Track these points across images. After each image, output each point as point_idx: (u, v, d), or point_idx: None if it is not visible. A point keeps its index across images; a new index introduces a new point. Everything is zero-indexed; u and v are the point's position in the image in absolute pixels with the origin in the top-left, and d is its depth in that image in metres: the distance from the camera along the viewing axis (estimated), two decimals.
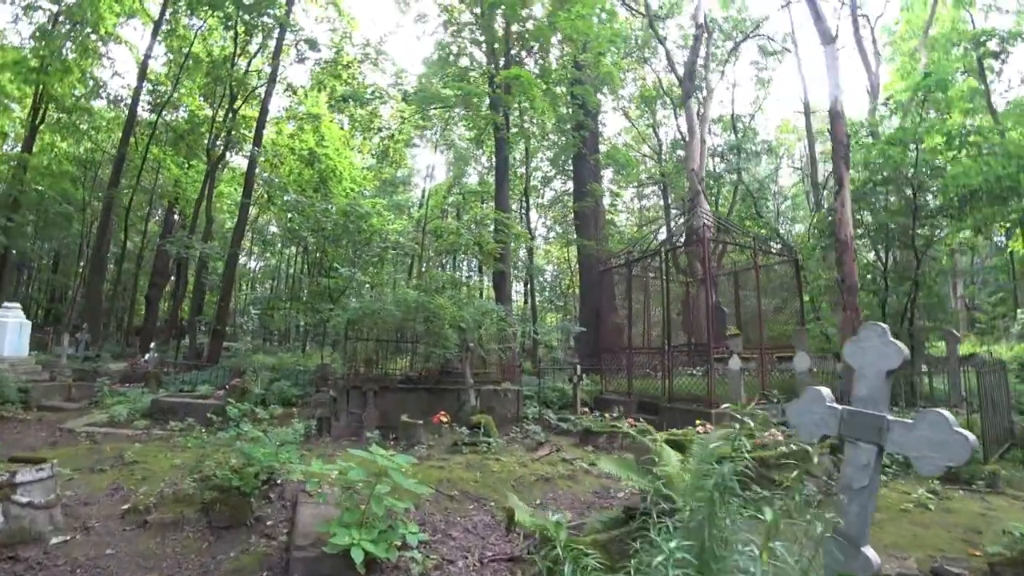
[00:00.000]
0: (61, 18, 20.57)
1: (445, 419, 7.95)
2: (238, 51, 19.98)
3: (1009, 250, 20.42)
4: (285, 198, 16.24)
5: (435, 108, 20.18)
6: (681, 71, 17.97)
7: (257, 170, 21.11)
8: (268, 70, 19.15)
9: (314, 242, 15.80)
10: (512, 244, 17.87)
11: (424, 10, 49.16)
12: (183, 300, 26.49)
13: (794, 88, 57.10)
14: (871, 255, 13.85)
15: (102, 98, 23.38)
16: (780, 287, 11.98)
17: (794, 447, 6.15)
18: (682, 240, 12.03)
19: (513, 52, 17.00)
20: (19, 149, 23.50)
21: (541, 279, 29.58)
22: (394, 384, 8.96)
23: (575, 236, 22.22)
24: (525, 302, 30.00)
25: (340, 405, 8.63)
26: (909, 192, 11.65)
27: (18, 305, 12.37)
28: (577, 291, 29.85)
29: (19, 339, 11.75)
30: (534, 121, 21.38)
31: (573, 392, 11.92)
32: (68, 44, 20.75)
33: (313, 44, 19.46)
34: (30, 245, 27.00)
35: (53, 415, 9.67)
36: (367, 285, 8.78)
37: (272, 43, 19.30)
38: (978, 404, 7.26)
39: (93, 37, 21.30)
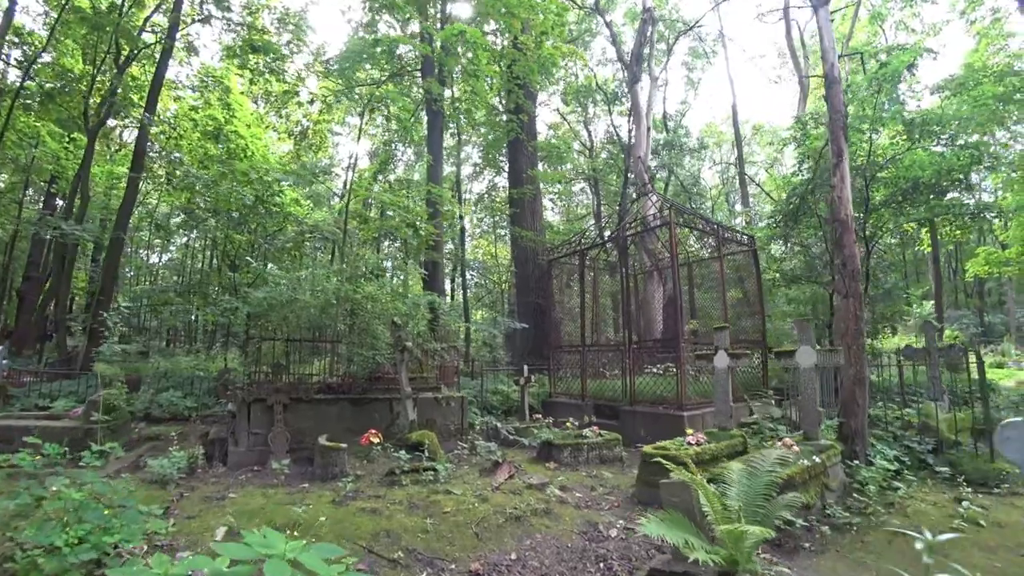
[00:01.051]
0: None
1: (376, 439, 6.29)
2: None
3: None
4: (178, 172, 13.62)
5: (360, 87, 18.10)
6: (627, 59, 17.12)
7: (153, 145, 18.07)
8: (166, 25, 16.27)
9: (216, 226, 13.36)
10: (446, 228, 16.24)
11: None
12: (65, 295, 22.46)
13: (722, 91, 59.27)
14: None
15: None
16: (739, 279, 11.27)
17: (806, 462, 5.14)
18: (639, 227, 10.99)
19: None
20: None
21: (472, 274, 28.07)
22: (310, 395, 7.12)
23: (508, 228, 20.94)
24: (453, 298, 28.37)
25: (240, 423, 6.70)
26: (860, 183, 11.34)
27: None
28: (506, 287, 28.69)
29: None
30: (466, 111, 19.86)
31: (521, 396, 10.57)
32: None
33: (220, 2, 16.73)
34: None
35: None
36: (282, 280, 7.00)
37: None
38: (977, 397, 6.65)
39: None
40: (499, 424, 9.71)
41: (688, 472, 3.59)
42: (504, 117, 19.30)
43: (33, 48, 17.49)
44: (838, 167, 6.48)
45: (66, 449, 3.98)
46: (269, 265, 12.53)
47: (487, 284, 29.66)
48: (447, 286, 30.07)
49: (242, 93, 20.89)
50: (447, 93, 17.17)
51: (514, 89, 15.43)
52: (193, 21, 17.81)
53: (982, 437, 6.47)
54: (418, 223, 9.84)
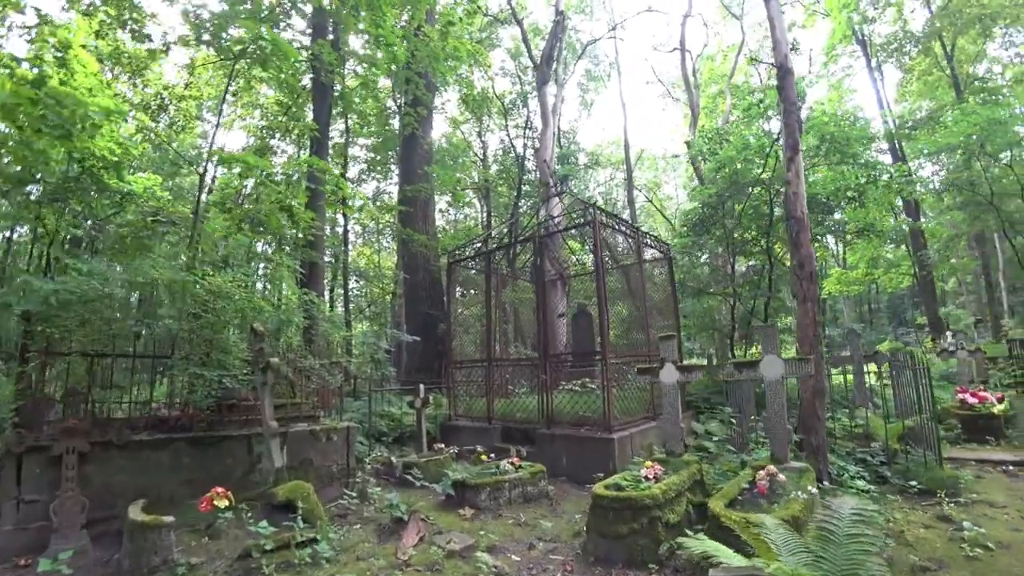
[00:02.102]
0: None
1: (224, 501, 4.36)
2: None
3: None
4: None
5: (229, 61, 15.25)
6: (537, 60, 16.37)
7: None
8: None
9: (23, 202, 10.00)
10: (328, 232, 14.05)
11: None
12: None
13: (615, 113, 62.04)
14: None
15: None
16: (655, 287, 10.68)
17: (803, 495, 4.24)
18: (559, 226, 9.94)
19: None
20: None
21: (355, 283, 25.61)
22: (126, 436, 4.92)
23: (397, 232, 19.08)
24: (332, 308, 25.67)
25: (6, 485, 4.35)
26: (767, 198, 11.44)
27: None
28: (392, 297, 26.52)
29: None
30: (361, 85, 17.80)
31: (417, 421, 8.92)
32: None
33: None
34: None
35: None
36: (83, 267, 4.77)
37: None
38: (916, 406, 6.36)
39: None
40: (393, 457, 7.98)
41: (744, 558, 2.35)
42: (398, 114, 17.64)
43: None
44: (793, 161, 5.86)
45: None
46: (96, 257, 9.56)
47: (370, 294, 27.29)
48: (326, 295, 27.21)
49: (83, 46, 16.78)
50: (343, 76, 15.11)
51: (414, 78, 13.89)
52: None
53: (920, 443, 6.19)
54: (295, 205, 7.82)
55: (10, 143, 8.43)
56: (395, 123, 21.41)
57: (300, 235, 8.71)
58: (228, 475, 5.50)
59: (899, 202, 19.69)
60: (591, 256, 13.18)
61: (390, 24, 9.17)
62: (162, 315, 5.22)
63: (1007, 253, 21.28)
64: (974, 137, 13.65)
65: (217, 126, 11.26)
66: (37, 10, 9.77)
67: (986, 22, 18.50)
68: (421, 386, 8.97)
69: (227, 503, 4.52)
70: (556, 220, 10.00)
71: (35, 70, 7.07)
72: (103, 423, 4.91)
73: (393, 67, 14.09)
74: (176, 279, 4.84)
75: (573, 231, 12.39)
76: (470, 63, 18.30)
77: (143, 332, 5.15)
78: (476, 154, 31.16)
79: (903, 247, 21.41)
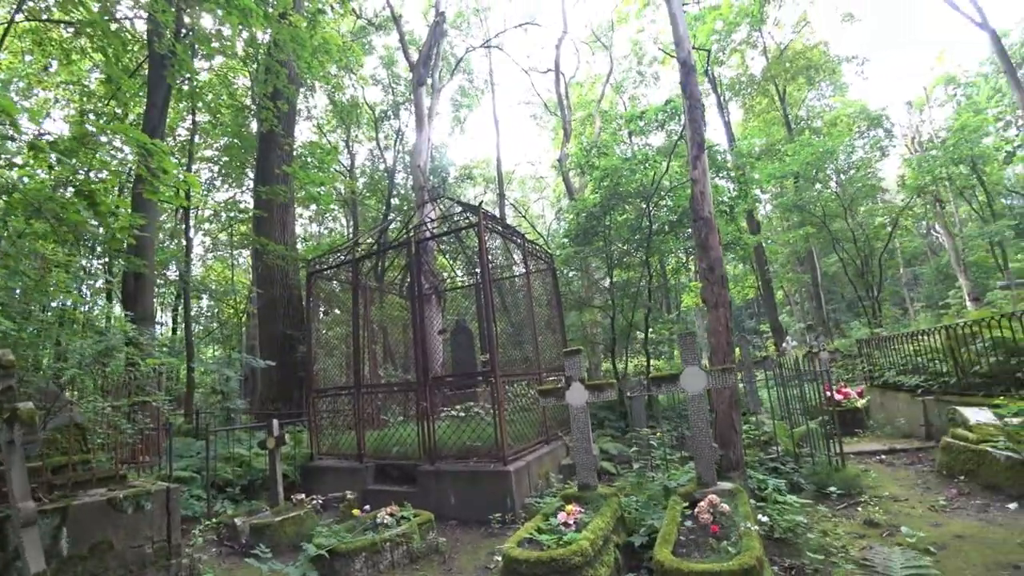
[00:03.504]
0: None
1: None
2: None
3: None
4: None
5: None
6: (413, 60, 15.30)
7: None
8: None
9: None
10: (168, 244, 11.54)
11: None
12: None
13: (487, 131, 62.49)
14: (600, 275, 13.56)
15: None
16: (537, 301, 10.08)
17: (753, 526, 3.64)
18: (440, 228, 8.91)
19: None
20: None
21: (202, 303, 22.15)
22: None
23: (251, 241, 16.66)
24: (175, 331, 21.91)
25: None
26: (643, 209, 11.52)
27: None
28: (244, 318, 23.39)
29: None
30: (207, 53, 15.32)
31: (270, 464, 7.22)
32: None
33: None
34: None
35: None
36: None
37: None
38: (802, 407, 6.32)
39: None
40: (239, 520, 6.25)
41: None
42: (256, 113, 15.43)
43: None
44: (699, 159, 5.52)
45: None
46: None
47: (219, 315, 23.87)
48: (165, 316, 23.17)
49: None
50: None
51: (275, 67, 12.04)
52: None
53: (819, 445, 6.16)
54: (104, 199, 5.80)
55: None
56: (254, 125, 19.02)
57: (115, 235, 6.66)
58: None
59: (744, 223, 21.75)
60: (466, 270, 12.35)
61: None
62: None
63: (823, 268, 24.55)
64: (808, 164, 15.29)
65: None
66: None
67: (810, 73, 21.31)
68: (275, 421, 7.30)
69: None
70: (433, 223, 8.97)
71: None
72: None
73: (250, 50, 12.19)
74: None
75: (444, 243, 11.48)
76: (342, 61, 16.71)
77: None
78: (343, 164, 29.03)
79: (750, 264, 23.67)
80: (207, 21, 14.25)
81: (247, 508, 7.33)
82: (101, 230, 6.84)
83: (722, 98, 24.05)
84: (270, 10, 9.96)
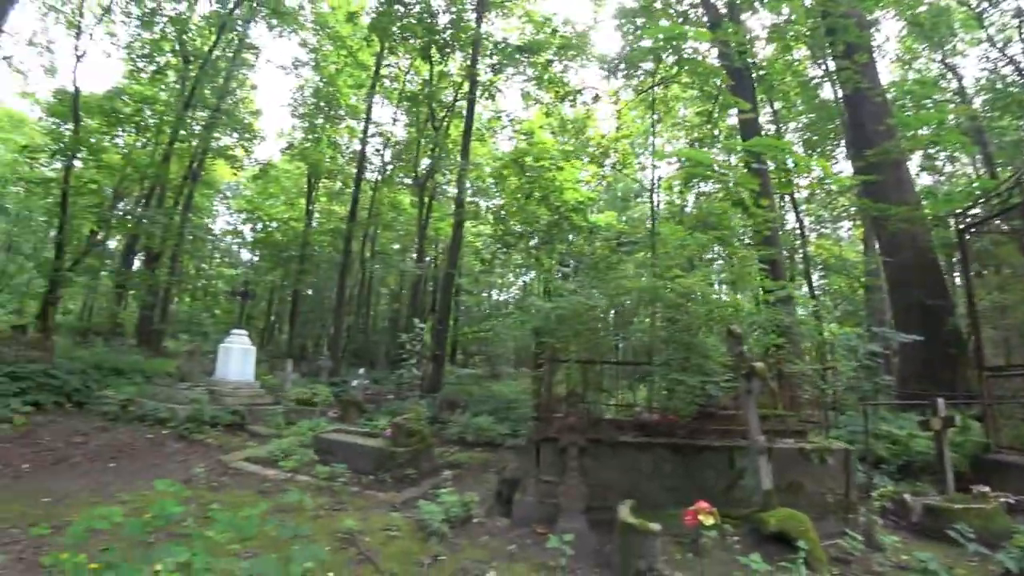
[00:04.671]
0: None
1: (711, 518, 3.98)
2: (435, 75, 19.35)
3: None
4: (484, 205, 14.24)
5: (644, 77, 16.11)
6: None
7: (470, 187, 19.99)
8: (467, 88, 17.95)
9: (524, 247, 13.34)
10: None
11: None
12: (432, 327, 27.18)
13: None
14: None
15: (343, 156, 26.19)
16: None
17: None
18: None
19: None
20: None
21: (816, 279, 22.60)
22: (614, 436, 5.29)
23: (860, 208, 15.43)
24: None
25: (527, 467, 5.33)
26: None
27: (245, 332, 12.47)
28: (862, 292, 21.87)
29: (244, 364, 11.72)
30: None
31: (937, 447, 6.55)
32: (319, 120, 23.69)
33: (507, 54, 17.45)
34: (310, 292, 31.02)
35: (239, 441, 8.90)
36: (568, 287, 5.68)
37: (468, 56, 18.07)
38: None
39: (341, 112, 24.02)
40: (908, 496, 6.05)
41: None
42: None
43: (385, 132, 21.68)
44: None
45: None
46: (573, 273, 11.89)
47: (836, 290, 23.66)
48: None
49: (540, 127, 21.75)
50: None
51: (837, 24, 11.09)
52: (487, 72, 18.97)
53: None
54: (745, 195, 7.10)
55: (514, 209, 11.19)
56: (824, 92, 18.20)
57: (754, 231, 7.95)
58: (708, 488, 5.17)
59: None
60: None
61: None
62: (634, 328, 5.46)
63: None
64: None
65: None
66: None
67: None
68: (940, 401, 6.63)
69: (713, 521, 4.16)
70: None
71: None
72: (595, 423, 5.44)
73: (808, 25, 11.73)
74: (646, 286, 4.97)
75: None
76: None
77: (620, 342, 5.52)
78: (946, 87, 22.71)
79: None
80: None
81: (909, 488, 6.95)
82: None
83: None
84: None
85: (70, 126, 17.55)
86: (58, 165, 19.22)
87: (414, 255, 26.13)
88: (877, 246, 15.06)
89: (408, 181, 23.77)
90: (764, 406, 5.55)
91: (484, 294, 29.93)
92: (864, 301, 22.29)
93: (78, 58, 17.83)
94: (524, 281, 28.19)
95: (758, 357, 4.86)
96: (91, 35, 18.77)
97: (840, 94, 15.83)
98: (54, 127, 19.36)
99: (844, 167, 20.10)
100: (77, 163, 18.13)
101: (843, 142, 18.82)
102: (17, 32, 20.24)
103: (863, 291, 21.95)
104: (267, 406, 11.07)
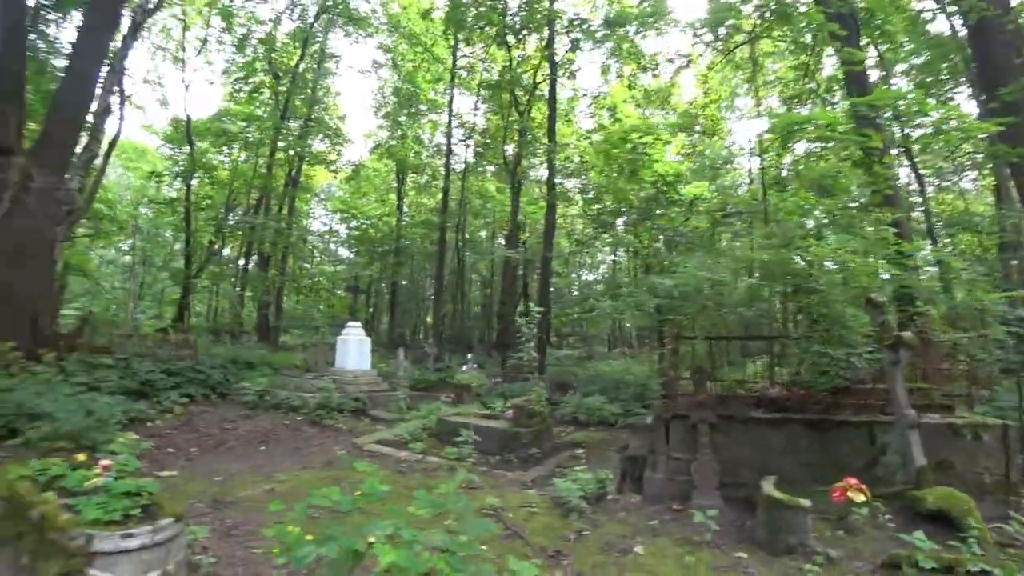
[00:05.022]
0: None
1: (860, 495, 3.91)
2: (512, 60, 19.43)
3: None
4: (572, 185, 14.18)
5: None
6: None
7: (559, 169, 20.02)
8: (547, 69, 17.91)
9: (613, 221, 13.22)
10: None
11: None
12: (516, 311, 27.67)
13: None
14: None
15: (429, 150, 27.09)
16: None
17: None
18: None
19: None
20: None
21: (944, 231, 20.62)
22: (745, 412, 5.26)
23: (996, 155, 13.67)
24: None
25: (657, 444, 5.44)
26: None
27: (359, 324, 13.38)
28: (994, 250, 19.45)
29: (360, 354, 12.58)
30: None
31: None
32: (402, 117, 24.61)
33: (587, 31, 17.13)
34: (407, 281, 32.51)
35: (365, 425, 9.61)
36: (688, 263, 5.58)
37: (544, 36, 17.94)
38: None
39: (423, 108, 24.80)
40: None
41: None
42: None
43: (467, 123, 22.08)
44: None
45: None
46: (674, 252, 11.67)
47: (963, 247, 21.47)
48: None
49: (624, 101, 21.26)
50: None
51: None
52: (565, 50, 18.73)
53: None
54: (878, 164, 6.60)
55: (608, 188, 11.13)
56: (935, 26, 16.27)
57: (873, 191, 7.44)
58: (846, 464, 5.03)
59: None
60: None
61: None
62: (757, 299, 5.35)
63: None
64: None
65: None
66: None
67: None
68: None
69: (863, 498, 4.08)
70: None
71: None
72: (724, 399, 5.43)
73: None
74: (773, 259, 4.85)
75: None
76: None
77: (747, 316, 5.43)
78: None
79: None
80: None
81: None
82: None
83: None
84: None
85: (186, 150, 19.58)
86: (179, 185, 21.60)
87: (501, 241, 26.67)
88: (1016, 197, 13.41)
89: (492, 168, 24.21)
90: (907, 379, 5.28)
91: (573, 275, 29.97)
92: (997, 261, 19.98)
93: (186, 88, 19.79)
94: (613, 259, 27.92)
95: (900, 327, 4.61)
96: (195, 69, 20.74)
97: (959, 25, 14.13)
98: (172, 153, 21.63)
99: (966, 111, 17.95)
100: (194, 182, 20.18)
101: (964, 82, 16.84)
102: (133, 72, 22.74)
103: (996, 250, 19.65)
104: (385, 392, 11.89)
